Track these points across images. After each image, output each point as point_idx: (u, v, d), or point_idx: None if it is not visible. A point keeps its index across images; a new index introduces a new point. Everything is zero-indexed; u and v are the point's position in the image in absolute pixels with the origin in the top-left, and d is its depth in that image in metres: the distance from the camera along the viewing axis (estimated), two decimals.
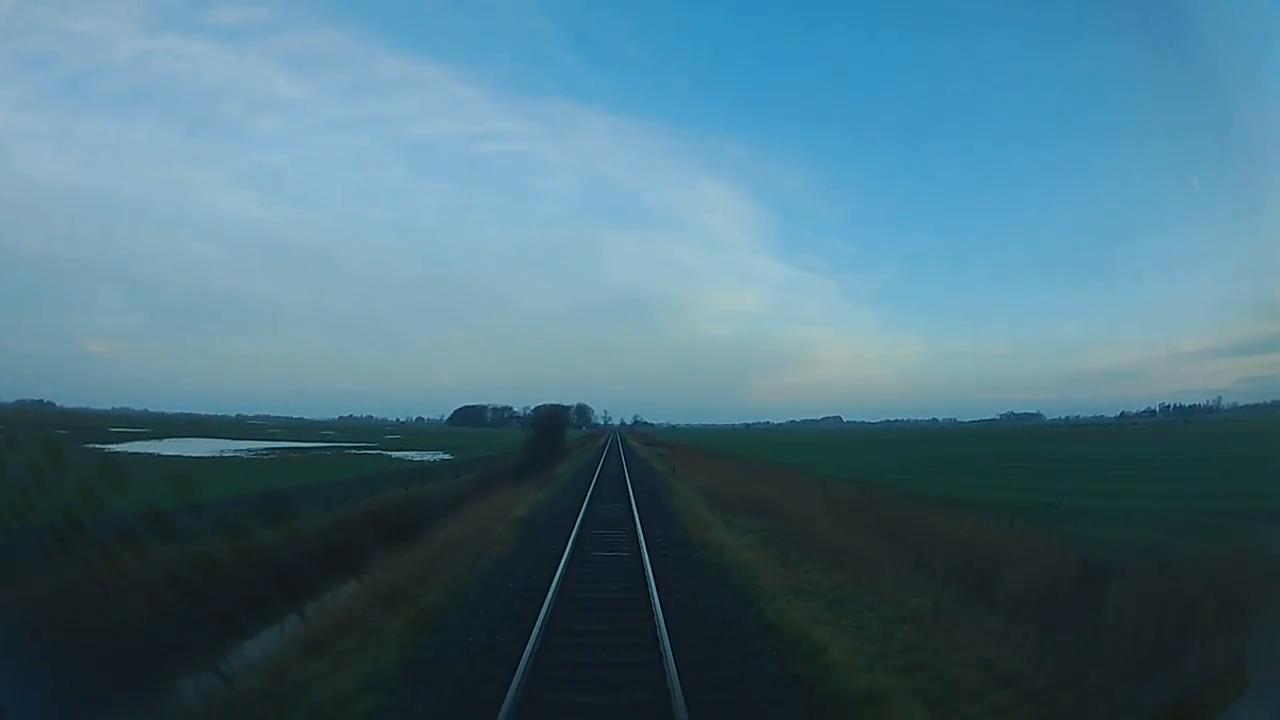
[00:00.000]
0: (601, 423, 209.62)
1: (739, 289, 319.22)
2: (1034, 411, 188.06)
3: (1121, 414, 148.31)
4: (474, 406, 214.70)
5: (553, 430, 53.01)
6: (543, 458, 38.94)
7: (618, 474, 31.19)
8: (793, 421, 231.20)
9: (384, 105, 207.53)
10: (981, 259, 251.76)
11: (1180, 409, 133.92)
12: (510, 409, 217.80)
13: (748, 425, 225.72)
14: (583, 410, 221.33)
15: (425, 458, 51.44)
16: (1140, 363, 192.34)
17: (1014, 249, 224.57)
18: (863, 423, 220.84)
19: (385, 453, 57.81)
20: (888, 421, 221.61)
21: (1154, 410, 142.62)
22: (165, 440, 55.14)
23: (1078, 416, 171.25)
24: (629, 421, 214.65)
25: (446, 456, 51.63)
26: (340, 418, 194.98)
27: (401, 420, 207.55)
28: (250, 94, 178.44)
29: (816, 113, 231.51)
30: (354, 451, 58.93)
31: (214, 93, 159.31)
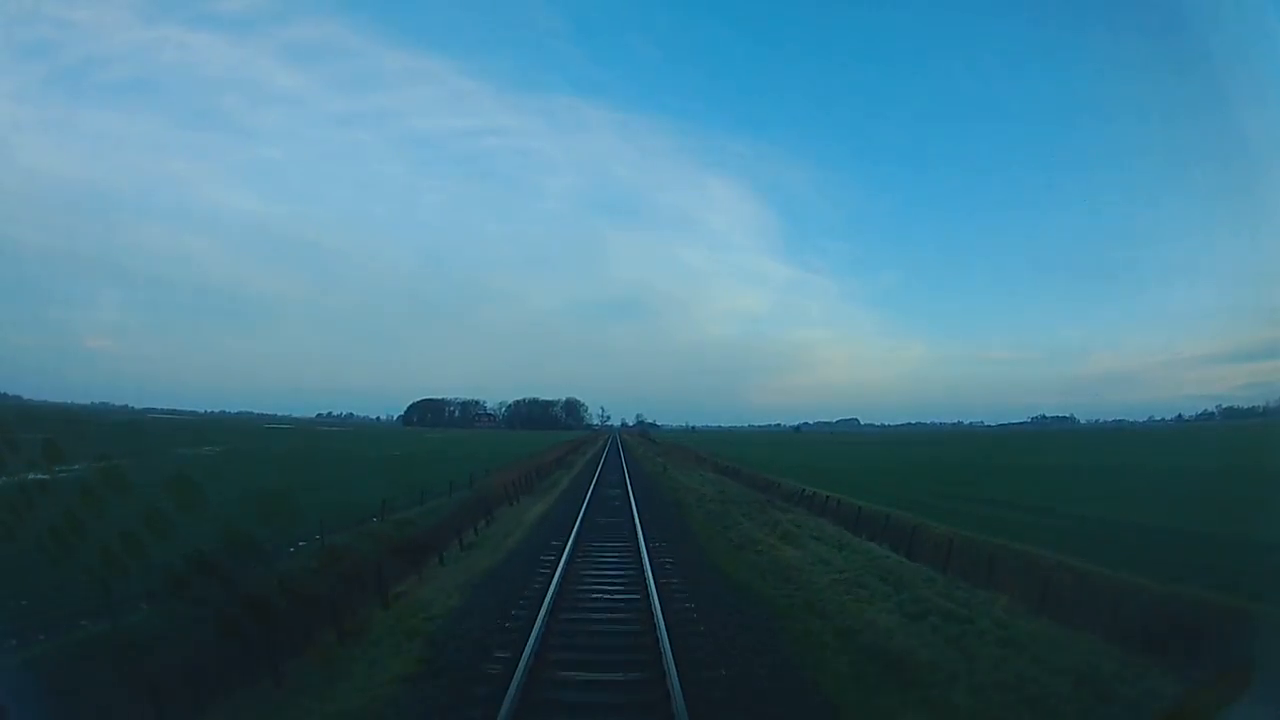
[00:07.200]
0: (598, 423, 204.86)
1: (743, 289, 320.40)
2: (1066, 415, 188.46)
3: (1179, 416, 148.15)
4: (433, 400, 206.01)
5: None
6: None
7: None
8: (806, 424, 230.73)
9: (386, 100, 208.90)
10: (984, 264, 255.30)
11: (1238, 411, 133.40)
12: (481, 404, 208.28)
13: (797, 428, 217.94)
14: (572, 406, 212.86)
15: None
16: (1145, 367, 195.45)
17: (1017, 254, 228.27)
18: (881, 425, 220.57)
19: None
20: (908, 424, 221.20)
21: (1212, 413, 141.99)
22: None
23: (1102, 421, 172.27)
24: (630, 422, 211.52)
25: None
26: (318, 415, 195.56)
27: (382, 419, 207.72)
28: (251, 87, 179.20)
29: (821, 115, 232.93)
30: None
31: (214, 85, 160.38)
